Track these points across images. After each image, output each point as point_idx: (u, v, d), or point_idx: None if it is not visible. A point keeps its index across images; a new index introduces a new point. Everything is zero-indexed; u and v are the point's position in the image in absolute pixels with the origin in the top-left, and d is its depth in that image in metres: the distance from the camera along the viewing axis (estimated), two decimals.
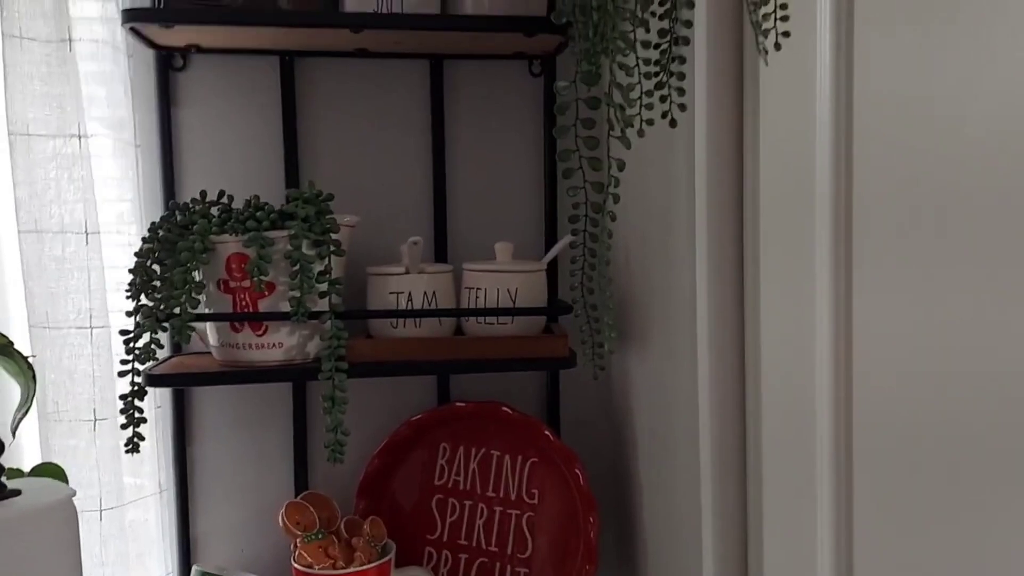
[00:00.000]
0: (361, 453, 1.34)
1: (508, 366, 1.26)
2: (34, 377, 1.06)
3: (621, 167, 0.88)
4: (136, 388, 1.13)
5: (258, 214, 1.15)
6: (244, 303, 1.16)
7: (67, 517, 0.93)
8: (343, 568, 1.20)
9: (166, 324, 1.12)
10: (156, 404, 1.31)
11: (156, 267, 1.14)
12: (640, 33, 0.85)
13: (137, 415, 1.13)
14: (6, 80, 1.17)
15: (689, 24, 0.86)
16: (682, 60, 0.87)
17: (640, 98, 0.85)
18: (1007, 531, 0.59)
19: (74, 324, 1.21)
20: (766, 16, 0.80)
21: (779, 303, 0.87)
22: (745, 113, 0.91)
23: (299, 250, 1.13)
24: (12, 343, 1.05)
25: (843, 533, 0.78)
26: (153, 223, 1.17)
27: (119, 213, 1.27)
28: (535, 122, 1.41)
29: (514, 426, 1.33)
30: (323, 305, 1.15)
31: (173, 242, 1.14)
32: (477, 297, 1.26)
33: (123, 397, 1.13)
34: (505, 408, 1.32)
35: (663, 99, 0.87)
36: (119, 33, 1.23)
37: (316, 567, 1.19)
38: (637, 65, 0.84)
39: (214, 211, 1.18)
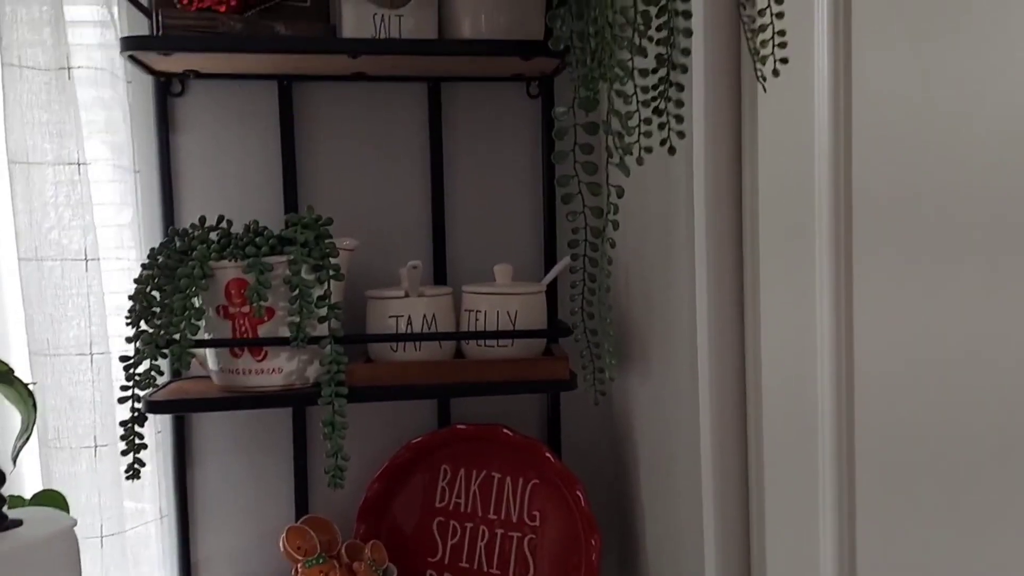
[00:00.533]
0: (362, 476, 1.33)
1: (509, 389, 1.26)
2: (35, 405, 1.06)
3: (620, 194, 0.88)
4: (136, 414, 1.13)
5: (257, 240, 1.15)
6: (244, 328, 1.16)
7: (68, 548, 0.93)
8: None
9: (166, 351, 1.12)
10: (156, 429, 1.31)
11: (156, 293, 1.14)
12: (638, 60, 0.85)
13: (137, 441, 1.13)
14: (5, 109, 1.18)
15: (687, 52, 0.86)
16: (680, 87, 0.87)
17: (639, 125, 0.85)
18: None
19: (74, 351, 1.21)
20: (764, 43, 0.80)
21: (779, 328, 0.87)
22: (743, 139, 0.91)
23: (298, 275, 1.13)
24: (12, 370, 1.05)
25: (846, 558, 0.78)
26: (152, 249, 1.17)
27: (119, 239, 1.27)
28: (533, 143, 1.41)
29: (515, 448, 1.32)
30: (322, 330, 1.15)
31: (172, 268, 1.14)
32: (477, 319, 1.26)
33: (123, 423, 1.13)
34: (506, 430, 1.32)
35: (661, 126, 0.87)
36: (117, 60, 1.23)
37: None
38: (635, 93, 0.84)
39: (213, 236, 1.18)
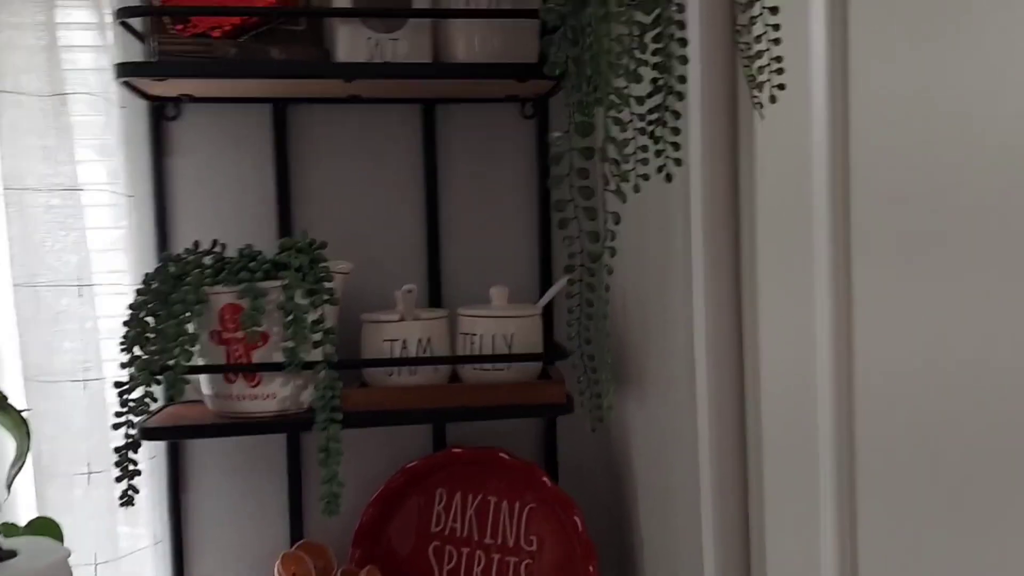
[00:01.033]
0: (357, 501, 1.33)
1: (505, 413, 1.26)
2: (28, 432, 1.05)
3: (617, 221, 0.88)
4: (131, 441, 1.12)
5: (251, 264, 1.15)
6: (238, 354, 1.16)
7: None
8: None
9: (160, 377, 1.11)
10: (150, 455, 1.30)
11: (150, 319, 1.14)
12: (634, 87, 0.85)
13: (131, 468, 1.12)
14: (0, 134, 1.17)
15: (683, 79, 0.86)
16: (676, 115, 0.87)
17: (635, 153, 0.85)
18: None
19: (68, 376, 1.21)
20: (761, 69, 0.80)
21: (777, 354, 0.87)
22: (740, 164, 0.91)
23: (292, 300, 1.12)
24: (6, 397, 1.05)
25: None
26: (147, 274, 1.16)
27: (113, 263, 1.26)
28: (528, 164, 1.41)
29: (511, 472, 1.32)
30: (317, 354, 1.14)
31: (166, 294, 1.13)
32: (473, 342, 1.26)
33: (118, 450, 1.12)
34: (502, 454, 1.32)
35: (658, 153, 0.87)
36: (112, 85, 1.23)
37: None
38: (632, 120, 0.84)
39: (207, 260, 1.18)
